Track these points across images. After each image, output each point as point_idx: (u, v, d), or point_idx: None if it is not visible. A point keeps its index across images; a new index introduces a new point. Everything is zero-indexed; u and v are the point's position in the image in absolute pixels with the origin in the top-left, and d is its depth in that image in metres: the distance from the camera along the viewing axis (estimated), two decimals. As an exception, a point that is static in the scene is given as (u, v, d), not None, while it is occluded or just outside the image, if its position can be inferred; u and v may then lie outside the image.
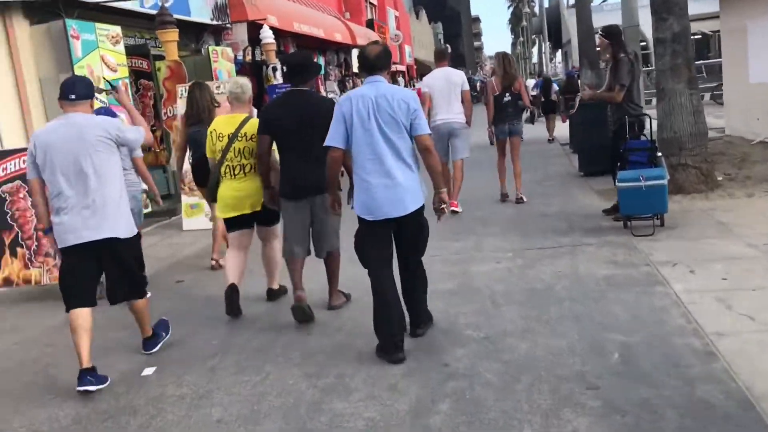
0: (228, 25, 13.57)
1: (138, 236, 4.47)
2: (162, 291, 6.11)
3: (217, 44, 13.65)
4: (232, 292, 5.05)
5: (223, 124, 5.17)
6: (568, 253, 6.03)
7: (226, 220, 5.28)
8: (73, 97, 4.13)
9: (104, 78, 8.87)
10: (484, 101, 9.07)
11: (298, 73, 4.87)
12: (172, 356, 4.53)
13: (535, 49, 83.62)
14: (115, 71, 9.37)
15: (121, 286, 4.30)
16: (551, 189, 9.52)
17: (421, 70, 46.99)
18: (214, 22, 12.92)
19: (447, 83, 8.30)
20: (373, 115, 3.99)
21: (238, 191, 5.05)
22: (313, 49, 19.49)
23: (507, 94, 8.55)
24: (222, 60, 11.87)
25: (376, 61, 4.16)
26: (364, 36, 23.09)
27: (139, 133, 4.43)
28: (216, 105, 6.53)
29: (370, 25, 27.87)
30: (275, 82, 16.19)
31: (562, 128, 16.27)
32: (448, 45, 69.89)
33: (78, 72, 8.61)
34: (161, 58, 10.62)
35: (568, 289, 5.06)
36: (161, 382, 4.13)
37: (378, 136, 3.98)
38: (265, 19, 14.01)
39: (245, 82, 5.32)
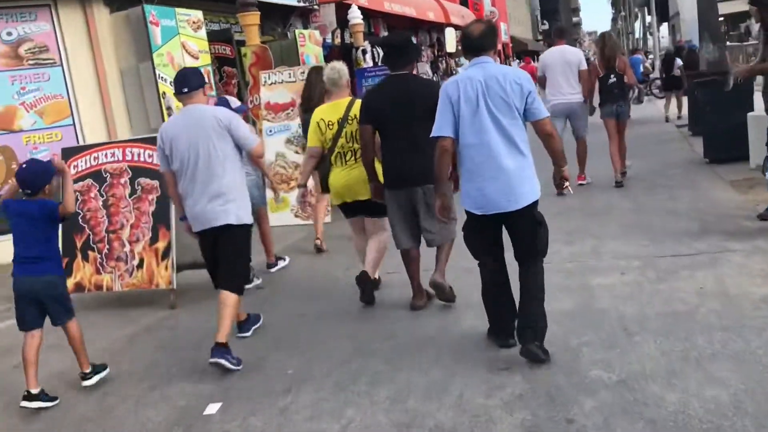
0: (315, 7, 12.96)
1: (250, 227, 4.50)
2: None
3: (305, 27, 13.09)
4: (365, 280, 4.93)
5: (328, 111, 5.08)
6: (709, 264, 5.00)
7: (341, 207, 5.22)
8: (186, 90, 4.28)
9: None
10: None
11: (398, 57, 4.68)
12: (242, 388, 3.89)
13: (637, 24, 79.44)
14: (197, 58, 8.93)
15: (223, 273, 4.31)
16: (674, 179, 8.34)
17: (518, 47, 45.24)
18: (301, 4, 12.34)
19: (564, 62, 8.26)
20: (483, 99, 3.65)
21: (349, 179, 4.97)
22: (404, 29, 18.69)
23: (612, 75, 8.29)
24: (309, 44, 11.26)
25: (482, 40, 3.81)
26: (458, 14, 22.06)
27: (254, 135, 4.51)
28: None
29: (464, 2, 26.69)
30: (365, 66, 15.54)
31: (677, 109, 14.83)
32: (545, 21, 67.44)
33: (157, 60, 8.20)
34: (245, 43, 10.12)
35: (718, 314, 4.08)
36: (224, 424, 3.50)
37: (488, 123, 3.65)
38: (353, -1, 13.31)
39: (341, 67, 5.25)
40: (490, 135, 3.65)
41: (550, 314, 3.84)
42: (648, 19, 45.53)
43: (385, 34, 18.47)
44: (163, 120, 8.22)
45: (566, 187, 3.98)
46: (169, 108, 8.32)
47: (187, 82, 4.29)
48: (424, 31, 20.91)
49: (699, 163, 9.28)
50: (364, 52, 16.26)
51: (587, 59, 9.22)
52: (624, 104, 8.44)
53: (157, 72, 8.19)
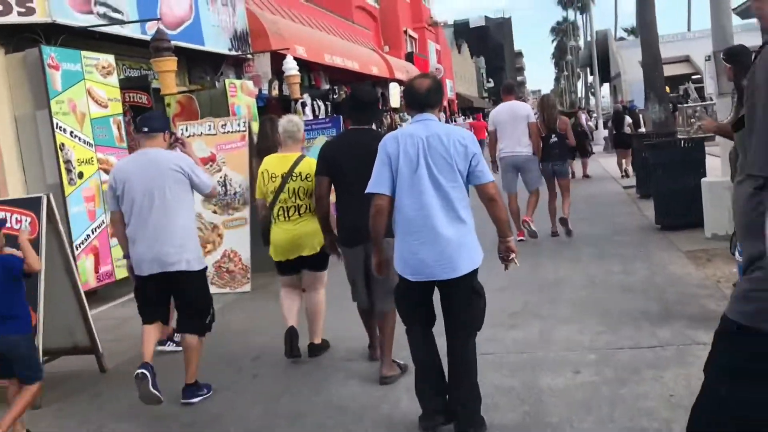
0: (249, 56, 12.24)
1: (205, 270, 4.48)
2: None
3: (239, 77, 12.34)
4: (292, 335, 4.87)
5: (275, 163, 5.03)
6: (676, 360, 4.25)
7: (278, 264, 5.12)
8: (146, 129, 4.32)
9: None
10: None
11: (363, 112, 4.61)
12: None
13: (580, 83, 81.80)
14: (106, 107, 8.01)
15: (183, 317, 4.38)
16: (626, 248, 7.70)
17: (463, 104, 45.56)
18: (233, 53, 11.58)
19: (513, 117, 8.37)
20: (423, 158, 3.47)
21: (292, 234, 4.90)
22: (346, 82, 18.13)
23: (553, 135, 8.64)
24: (241, 94, 10.45)
25: (428, 96, 3.62)
26: (402, 69, 21.73)
27: (211, 180, 4.56)
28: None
29: (409, 58, 26.47)
30: (305, 119, 14.86)
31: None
32: (491, 79, 68.73)
33: (55, 107, 7.27)
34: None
35: (695, 433, 3.29)
36: None
37: (428, 184, 3.45)
38: (288, 49, 12.63)
39: (298, 120, 5.26)
40: (429, 197, 3.45)
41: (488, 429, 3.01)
42: (590, 79, 46.57)
43: (327, 87, 17.89)
44: (61, 175, 7.28)
45: (512, 259, 3.64)
46: (68, 161, 7.35)
47: (151, 122, 4.38)
48: (369, 85, 20.43)
49: (650, 229, 8.71)
50: (303, 104, 15.58)
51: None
52: (563, 163, 8.74)
53: (54, 121, 7.23)
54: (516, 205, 8.41)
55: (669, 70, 42.21)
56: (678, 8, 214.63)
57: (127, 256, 4.42)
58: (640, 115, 16.23)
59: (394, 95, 20.38)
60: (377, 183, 3.55)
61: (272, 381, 4.68)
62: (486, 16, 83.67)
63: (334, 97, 17.87)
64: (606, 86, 47.69)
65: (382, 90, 20.90)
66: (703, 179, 7.97)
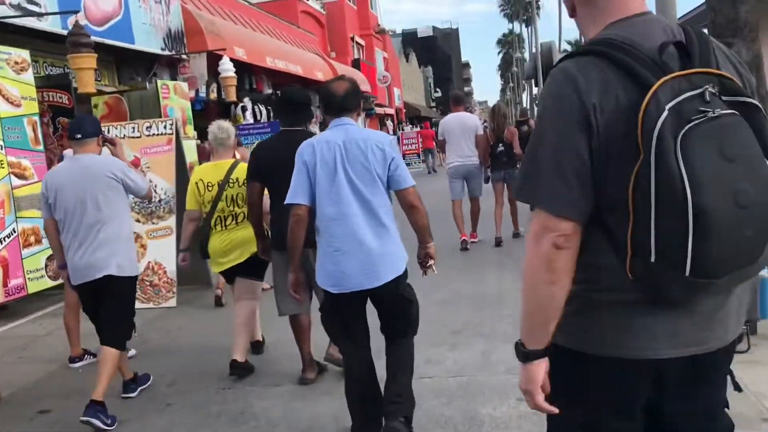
0: (184, 57, 11.66)
1: (135, 279, 4.38)
2: None
3: (173, 78, 11.75)
4: (239, 367, 4.59)
5: (209, 172, 4.89)
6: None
7: (224, 274, 5.03)
8: (79, 136, 4.21)
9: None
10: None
11: (295, 112, 4.41)
12: None
13: (525, 95, 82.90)
14: (19, 106, 7.35)
15: (107, 327, 4.20)
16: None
17: (411, 113, 45.46)
18: (166, 53, 10.99)
19: (462, 127, 8.69)
20: (341, 165, 3.32)
21: (225, 242, 4.75)
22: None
23: (501, 145, 8.92)
24: (175, 96, 9.89)
25: (345, 100, 3.44)
26: (350, 75, 21.35)
27: (145, 183, 4.45)
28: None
29: (356, 64, 26.02)
30: (246, 123, 14.34)
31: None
32: (438, 89, 69.07)
33: (-43, 106, 6.62)
34: (99, 92, 8.67)
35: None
36: None
37: (347, 192, 3.31)
38: (225, 50, 12.10)
39: (228, 126, 5.06)
40: (350, 205, 3.31)
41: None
42: (534, 90, 47.11)
43: (269, 91, 17.39)
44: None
45: (430, 266, 3.55)
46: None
47: (82, 128, 4.25)
48: (313, 91, 19.91)
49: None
50: (244, 108, 15.02)
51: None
52: (512, 170, 8.80)
53: (-43, 120, 6.59)
54: (461, 210, 8.78)
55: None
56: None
57: (63, 266, 4.31)
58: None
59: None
60: (294, 193, 3.39)
61: (186, 412, 4.20)
62: (434, 27, 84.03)
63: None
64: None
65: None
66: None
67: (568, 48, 67.13)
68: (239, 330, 4.68)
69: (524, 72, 62.41)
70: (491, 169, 8.99)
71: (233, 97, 12.44)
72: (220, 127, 4.98)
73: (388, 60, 35.62)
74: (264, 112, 16.13)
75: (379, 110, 32.83)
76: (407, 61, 51.99)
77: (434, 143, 23.42)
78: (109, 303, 4.18)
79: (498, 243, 8.63)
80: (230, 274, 4.91)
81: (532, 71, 49.66)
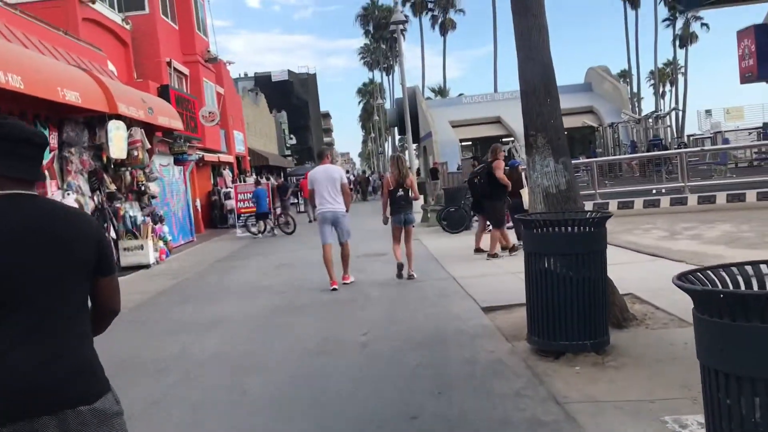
0: None
1: None
2: None
3: None
4: None
5: None
6: None
7: None
8: None
9: None
10: (380, 193, 10.47)
11: (20, 158, 2.23)
12: None
13: (387, 144, 79.56)
14: None
15: None
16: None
17: (257, 161, 39.44)
18: None
19: (328, 178, 9.75)
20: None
21: None
22: (26, 119, 11.19)
23: (400, 190, 9.97)
24: None
25: None
26: (137, 102, 14.72)
27: None
28: None
29: (164, 92, 19.16)
30: None
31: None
32: (293, 136, 63.71)
33: None
34: None
35: None
36: None
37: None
38: None
39: None
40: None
41: None
42: (397, 138, 43.07)
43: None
44: None
45: None
46: None
47: None
48: (75, 123, 13.26)
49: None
50: None
51: (380, 175, 10.65)
52: (410, 212, 10.12)
53: None
54: (330, 254, 9.65)
55: (481, 131, 39.46)
56: (484, 69, 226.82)
57: None
58: (522, 174, 12.33)
59: (115, 139, 13.33)
60: None
61: None
62: (289, 71, 79.12)
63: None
64: (414, 146, 44.37)
65: (98, 130, 13.74)
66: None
67: (431, 96, 64.42)
68: None
69: (387, 119, 58.60)
70: (392, 212, 10.08)
71: None
72: None
73: (224, 97, 29.46)
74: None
75: (210, 156, 26.57)
76: (255, 102, 46.12)
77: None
78: None
79: (400, 270, 9.99)
80: None
81: (395, 119, 45.53)
